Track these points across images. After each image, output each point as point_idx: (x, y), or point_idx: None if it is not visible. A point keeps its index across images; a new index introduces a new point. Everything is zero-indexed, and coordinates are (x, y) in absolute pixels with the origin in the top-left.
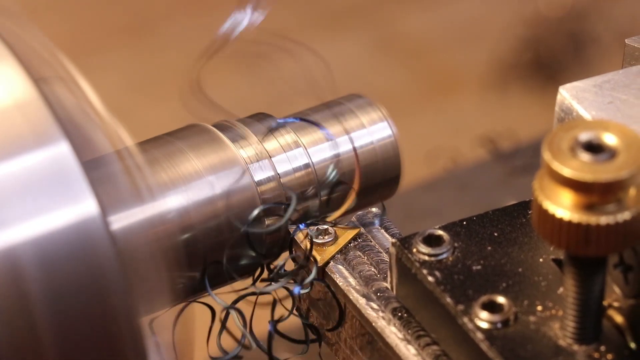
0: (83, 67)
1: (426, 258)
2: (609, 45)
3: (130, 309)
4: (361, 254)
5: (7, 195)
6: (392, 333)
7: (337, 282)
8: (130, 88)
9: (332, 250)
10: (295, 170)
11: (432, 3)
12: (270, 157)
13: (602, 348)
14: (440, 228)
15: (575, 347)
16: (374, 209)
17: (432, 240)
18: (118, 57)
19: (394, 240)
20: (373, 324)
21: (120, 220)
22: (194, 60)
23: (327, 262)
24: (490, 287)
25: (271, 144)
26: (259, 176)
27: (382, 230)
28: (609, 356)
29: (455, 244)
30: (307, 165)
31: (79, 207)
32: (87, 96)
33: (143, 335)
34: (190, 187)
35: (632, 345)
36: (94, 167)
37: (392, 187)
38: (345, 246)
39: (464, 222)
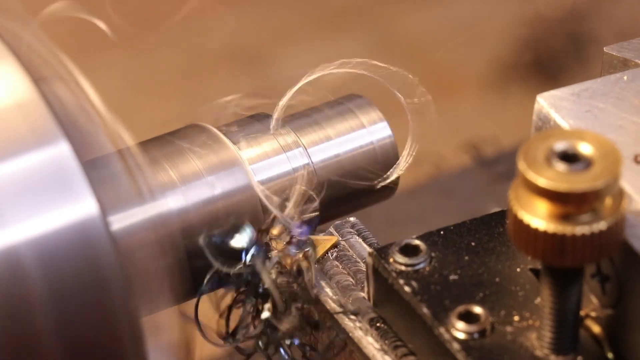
0: (83, 67)
1: (403, 268)
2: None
3: (130, 308)
4: (338, 264)
5: (8, 195)
6: (370, 344)
7: (314, 292)
8: (130, 88)
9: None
10: (295, 170)
11: (432, 3)
12: (271, 158)
13: (580, 358)
14: (417, 238)
15: (553, 357)
16: (351, 219)
17: (409, 250)
18: (118, 57)
19: (370, 250)
20: (350, 334)
21: (121, 220)
22: (194, 60)
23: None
24: (467, 297)
25: (271, 144)
26: (259, 176)
27: (360, 240)
28: None
29: (432, 254)
30: (307, 166)
31: (79, 207)
32: (87, 96)
33: (143, 335)
34: (190, 187)
35: (610, 355)
36: (94, 167)
37: (392, 188)
38: (323, 256)
39: (441, 232)
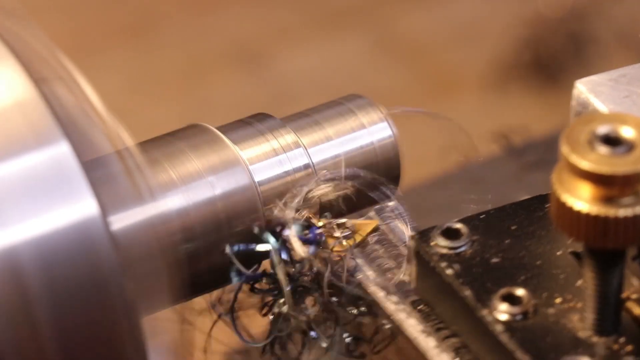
0: (83, 67)
1: (445, 251)
2: (609, 45)
3: (130, 309)
4: (379, 248)
5: (7, 195)
6: (412, 326)
7: (356, 275)
8: (130, 88)
9: (349, 243)
10: (296, 170)
11: (432, 3)
12: (271, 158)
13: (622, 340)
14: (458, 221)
15: (595, 338)
16: (391, 203)
17: (451, 234)
18: (118, 57)
19: (412, 233)
20: (392, 317)
21: (121, 221)
22: (194, 60)
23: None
24: (509, 279)
25: (271, 145)
26: (259, 177)
27: (400, 224)
28: (628, 348)
29: (474, 237)
30: (307, 166)
31: (79, 207)
32: (87, 96)
33: (144, 335)
34: (190, 187)
35: None
36: (94, 167)
37: (392, 188)
38: (363, 240)
39: (482, 216)
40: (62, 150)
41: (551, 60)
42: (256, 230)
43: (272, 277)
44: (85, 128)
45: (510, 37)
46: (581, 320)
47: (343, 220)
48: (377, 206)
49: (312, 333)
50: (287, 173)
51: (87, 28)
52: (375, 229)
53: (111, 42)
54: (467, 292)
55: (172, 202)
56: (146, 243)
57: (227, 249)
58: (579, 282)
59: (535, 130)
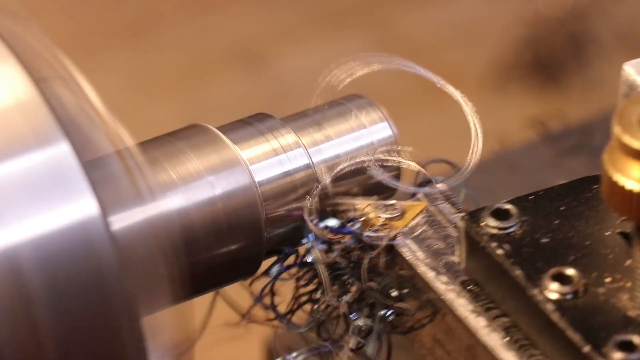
0: (83, 67)
1: (495, 231)
2: (609, 45)
3: (130, 309)
4: (428, 229)
5: (8, 196)
6: (462, 305)
7: (405, 256)
8: (130, 88)
9: (399, 225)
10: (296, 170)
11: (432, 3)
12: (271, 158)
13: None
14: (507, 202)
15: None
16: (439, 185)
17: (500, 214)
18: (118, 57)
19: (462, 214)
20: (442, 297)
21: (121, 221)
22: (194, 60)
23: (395, 237)
24: (558, 259)
25: (271, 145)
26: (259, 177)
27: (448, 205)
28: None
29: (523, 218)
30: (307, 166)
31: (80, 207)
32: (87, 96)
33: (144, 336)
34: (190, 187)
35: None
36: (95, 167)
37: (392, 187)
38: (412, 221)
39: (531, 197)
40: (62, 150)
41: (551, 60)
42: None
43: (311, 264)
44: (85, 128)
45: (510, 37)
46: (631, 300)
47: (392, 202)
48: (425, 188)
49: (352, 315)
50: (287, 173)
51: (87, 28)
52: (423, 211)
53: (111, 42)
54: (518, 272)
55: (172, 202)
56: (146, 243)
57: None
58: (628, 262)
59: (571, 116)
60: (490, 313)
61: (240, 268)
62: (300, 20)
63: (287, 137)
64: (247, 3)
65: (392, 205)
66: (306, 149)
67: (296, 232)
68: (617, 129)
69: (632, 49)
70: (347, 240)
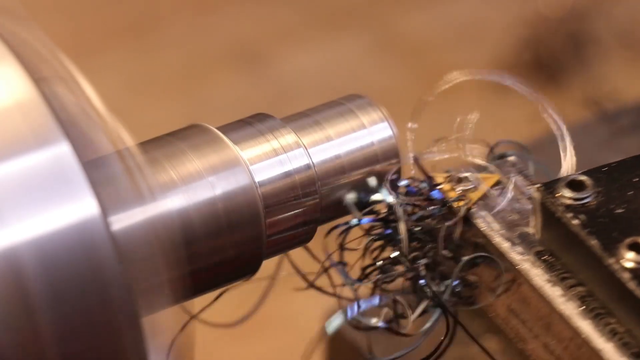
0: (84, 67)
1: (570, 202)
2: (609, 45)
3: (131, 309)
4: (502, 200)
5: (8, 196)
6: (537, 275)
7: (480, 227)
8: (130, 88)
9: (474, 196)
10: (296, 170)
11: (432, 3)
12: (271, 158)
13: None
14: (582, 173)
15: None
16: (511, 158)
17: (575, 185)
18: (118, 57)
19: (538, 185)
20: (517, 267)
21: (121, 221)
22: (194, 60)
23: (470, 209)
24: (634, 229)
25: (271, 145)
26: (259, 177)
27: (521, 177)
28: None
29: (597, 189)
30: (307, 166)
31: (80, 207)
32: (87, 96)
33: (144, 336)
34: (190, 187)
35: None
36: (95, 167)
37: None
38: (486, 193)
39: (604, 168)
40: (62, 150)
41: (551, 60)
42: (373, 182)
43: (385, 222)
44: (85, 128)
45: (510, 37)
46: None
47: (466, 174)
48: (498, 160)
49: (422, 281)
50: (287, 173)
51: (87, 28)
52: (497, 183)
53: (111, 42)
54: (594, 242)
55: (172, 203)
56: (146, 243)
57: (347, 197)
58: None
59: (627, 95)
60: (565, 282)
61: (240, 268)
62: (300, 20)
63: (288, 137)
64: (247, 3)
65: (466, 177)
66: (306, 149)
67: (296, 232)
68: None
69: (632, 49)
70: (432, 207)
